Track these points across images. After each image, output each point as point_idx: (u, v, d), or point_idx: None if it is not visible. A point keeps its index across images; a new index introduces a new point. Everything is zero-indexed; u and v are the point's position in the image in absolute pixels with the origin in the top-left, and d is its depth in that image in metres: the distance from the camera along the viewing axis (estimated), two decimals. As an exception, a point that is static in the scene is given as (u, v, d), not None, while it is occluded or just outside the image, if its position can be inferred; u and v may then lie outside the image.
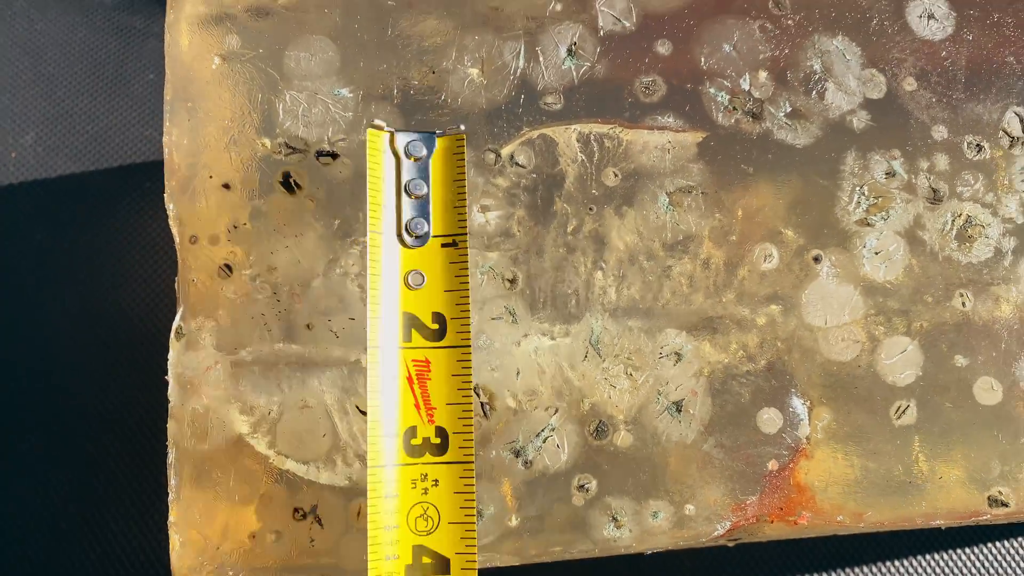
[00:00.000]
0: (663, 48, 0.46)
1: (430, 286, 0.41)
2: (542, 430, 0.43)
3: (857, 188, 0.46)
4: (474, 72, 0.46)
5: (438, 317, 0.41)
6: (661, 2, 0.47)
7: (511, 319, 0.44)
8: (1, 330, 0.64)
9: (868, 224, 0.45)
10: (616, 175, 0.45)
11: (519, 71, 0.46)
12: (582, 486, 0.43)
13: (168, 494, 0.42)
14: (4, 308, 0.65)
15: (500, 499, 0.43)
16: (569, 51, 0.46)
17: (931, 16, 0.47)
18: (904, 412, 0.44)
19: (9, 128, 0.69)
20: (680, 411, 0.43)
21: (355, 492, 0.43)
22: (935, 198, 0.46)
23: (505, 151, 0.45)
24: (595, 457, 0.43)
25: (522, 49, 0.46)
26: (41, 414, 0.62)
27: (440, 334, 0.41)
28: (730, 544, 0.45)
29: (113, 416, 0.62)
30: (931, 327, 0.45)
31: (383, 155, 0.42)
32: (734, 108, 0.46)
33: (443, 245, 0.42)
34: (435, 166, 0.42)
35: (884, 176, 0.46)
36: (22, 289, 0.65)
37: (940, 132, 0.46)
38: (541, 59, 0.46)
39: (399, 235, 0.42)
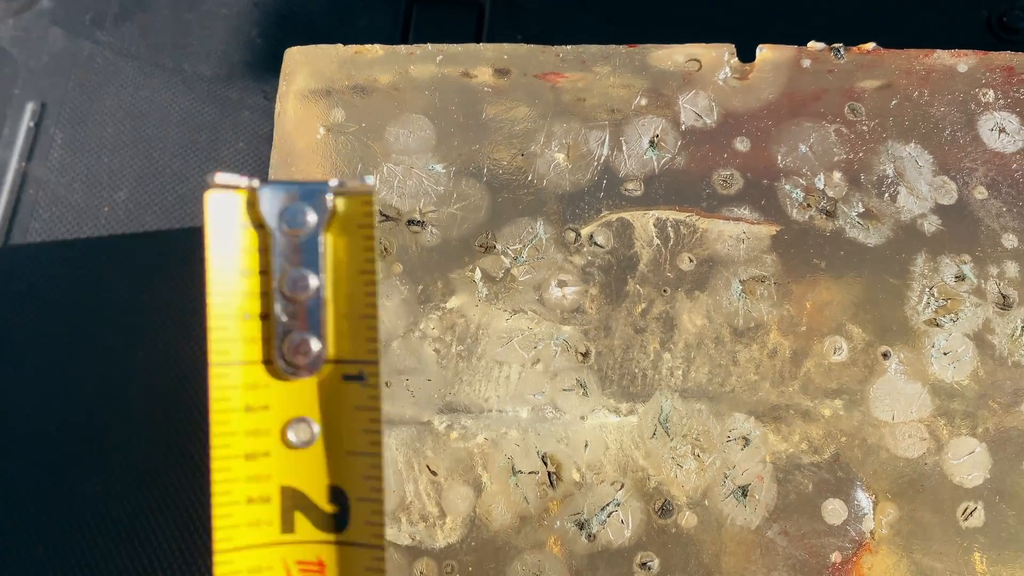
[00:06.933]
0: (742, 145, 0.49)
1: (325, 444, 0.25)
2: (607, 504, 0.44)
3: (927, 289, 0.47)
4: (560, 157, 0.49)
5: (337, 495, 0.26)
6: (742, 102, 0.50)
7: (582, 392, 0.45)
8: (76, 379, 0.67)
9: (937, 325, 0.46)
10: (691, 260, 0.47)
11: (603, 158, 0.49)
12: (644, 564, 0.43)
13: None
14: (80, 357, 0.67)
15: (562, 573, 0.43)
16: (651, 142, 0.49)
17: (1002, 130, 0.49)
18: (971, 514, 0.44)
19: (106, 184, 0.74)
20: (746, 496, 0.44)
21: (418, 552, 0.43)
22: (1005, 304, 0.46)
23: (585, 231, 0.47)
24: (659, 536, 0.43)
25: (607, 138, 0.49)
26: (104, 462, 0.64)
27: (339, 522, 0.26)
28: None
29: (188, 467, 0.63)
30: (997, 432, 0.45)
31: (239, 229, 0.25)
32: (808, 205, 0.48)
33: (345, 377, 0.26)
34: (331, 245, 0.26)
35: (954, 279, 0.47)
36: (99, 340, 0.68)
37: (1010, 240, 0.47)
38: (624, 148, 0.49)
39: (267, 361, 0.26)
